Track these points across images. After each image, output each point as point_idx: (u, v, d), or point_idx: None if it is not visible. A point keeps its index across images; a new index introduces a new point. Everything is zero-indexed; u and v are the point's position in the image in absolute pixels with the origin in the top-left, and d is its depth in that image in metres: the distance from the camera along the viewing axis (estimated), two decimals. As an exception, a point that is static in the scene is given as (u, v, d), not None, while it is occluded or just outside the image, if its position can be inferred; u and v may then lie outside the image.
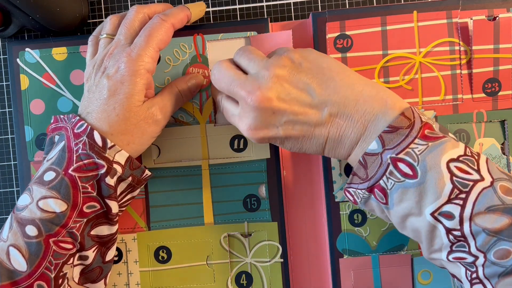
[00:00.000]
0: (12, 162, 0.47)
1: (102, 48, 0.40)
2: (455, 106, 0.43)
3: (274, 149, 0.44)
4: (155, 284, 0.44)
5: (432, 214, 0.32)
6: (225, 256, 0.44)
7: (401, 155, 0.33)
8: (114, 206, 0.38)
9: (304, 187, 0.45)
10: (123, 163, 0.37)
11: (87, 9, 0.46)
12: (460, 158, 0.32)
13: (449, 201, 0.31)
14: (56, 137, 0.39)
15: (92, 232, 0.37)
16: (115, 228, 0.39)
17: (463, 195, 0.31)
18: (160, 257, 0.44)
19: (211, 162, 0.44)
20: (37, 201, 0.36)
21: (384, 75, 0.43)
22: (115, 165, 0.37)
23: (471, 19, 0.42)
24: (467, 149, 0.33)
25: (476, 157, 0.33)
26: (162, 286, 0.44)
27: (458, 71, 0.43)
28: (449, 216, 0.31)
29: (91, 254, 0.38)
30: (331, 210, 0.43)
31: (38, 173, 0.37)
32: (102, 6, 0.47)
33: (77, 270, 0.38)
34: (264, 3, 0.46)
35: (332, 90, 0.35)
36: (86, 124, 0.37)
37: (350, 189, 0.36)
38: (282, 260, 0.43)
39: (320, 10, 0.46)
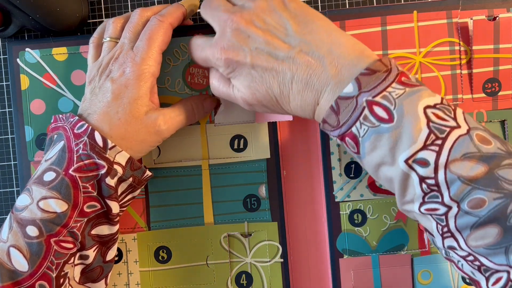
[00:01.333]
0: (12, 162, 0.47)
1: (106, 51, 0.40)
2: (455, 106, 0.43)
3: (274, 149, 0.44)
4: (155, 284, 0.44)
5: (406, 161, 0.30)
6: (225, 256, 0.44)
7: (377, 98, 0.31)
8: (114, 206, 0.38)
9: (304, 187, 0.45)
10: (123, 164, 0.37)
11: (87, 9, 0.46)
12: (437, 106, 0.31)
13: (424, 147, 0.30)
14: (55, 137, 0.39)
15: (93, 232, 0.37)
16: (115, 228, 0.39)
17: (439, 141, 0.30)
18: (160, 257, 0.44)
19: (211, 162, 0.44)
20: (37, 201, 0.36)
21: (384, 75, 0.43)
22: (115, 166, 0.37)
23: (471, 19, 0.42)
24: (443, 99, 0.32)
25: (453, 107, 0.32)
26: (162, 286, 0.44)
27: (458, 71, 0.43)
28: (424, 163, 0.30)
29: (91, 253, 0.38)
30: (331, 210, 0.43)
31: (37, 173, 0.37)
32: (102, 6, 0.47)
33: (78, 270, 0.38)
34: (264, 3, 0.46)
35: (309, 30, 0.34)
36: (86, 124, 0.37)
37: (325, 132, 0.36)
38: (282, 260, 0.43)
39: (320, 10, 0.46)
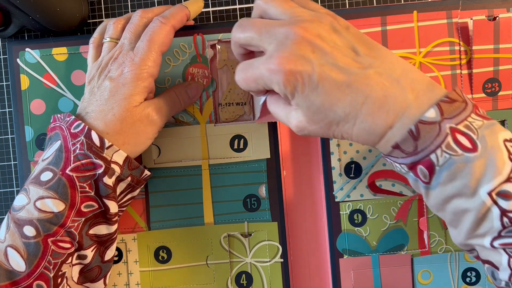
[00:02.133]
0: (12, 162, 0.47)
1: (106, 51, 0.40)
2: None
3: (274, 149, 0.44)
4: (155, 284, 0.44)
5: (489, 193, 0.29)
6: (225, 256, 0.44)
7: (460, 126, 0.30)
8: (112, 206, 0.38)
9: (304, 187, 0.45)
10: (121, 163, 0.37)
11: (87, 9, 0.46)
12: None
13: (508, 179, 0.29)
14: (52, 137, 0.39)
15: (91, 231, 0.37)
16: (114, 228, 0.39)
17: None
18: (160, 257, 0.44)
19: (211, 162, 0.44)
20: (34, 201, 0.36)
21: (384, 75, 0.43)
22: (113, 165, 0.37)
23: (471, 19, 0.42)
24: None
25: None
26: (162, 286, 0.44)
27: (458, 71, 0.43)
28: (508, 196, 0.29)
29: (89, 253, 0.38)
30: (331, 210, 0.43)
31: (34, 173, 0.37)
32: (102, 6, 0.47)
33: (76, 270, 0.38)
34: (264, 3, 0.46)
35: (377, 54, 0.32)
36: (83, 124, 0.37)
37: (387, 159, 0.33)
38: (282, 260, 0.43)
39: (320, 10, 0.46)
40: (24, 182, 0.44)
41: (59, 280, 0.36)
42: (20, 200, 0.37)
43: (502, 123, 0.43)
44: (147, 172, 0.40)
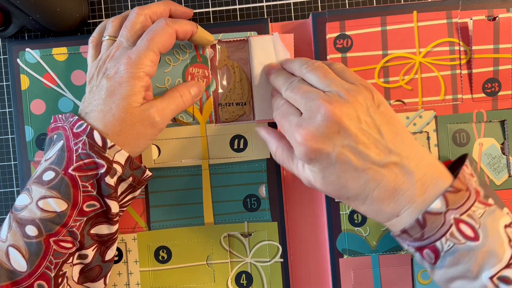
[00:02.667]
0: (12, 162, 0.47)
1: (104, 49, 0.40)
2: (455, 106, 0.43)
3: (274, 149, 0.44)
4: (155, 284, 0.44)
5: (490, 278, 0.32)
6: (225, 256, 0.44)
7: (464, 216, 0.33)
8: (114, 206, 0.38)
9: (304, 187, 0.45)
10: (123, 163, 0.37)
11: (87, 9, 0.46)
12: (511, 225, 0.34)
13: (508, 265, 0.32)
14: (55, 137, 0.39)
15: (92, 231, 0.38)
16: (115, 228, 0.39)
17: None
18: (160, 257, 0.44)
19: (211, 162, 0.44)
20: (36, 201, 0.36)
21: (384, 75, 0.43)
22: (115, 165, 0.37)
23: (471, 19, 0.42)
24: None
25: None
26: (162, 286, 0.44)
27: (458, 71, 0.43)
28: (508, 281, 0.32)
29: (90, 252, 0.38)
30: (331, 210, 0.43)
31: (37, 172, 0.37)
32: (102, 6, 0.47)
33: (76, 269, 0.38)
34: (264, 3, 0.46)
35: (398, 140, 0.35)
36: (85, 124, 0.37)
37: (396, 238, 0.36)
38: (282, 260, 0.43)
39: (320, 10, 0.46)
40: (25, 182, 0.44)
41: (60, 279, 0.36)
42: (22, 199, 0.37)
43: (502, 123, 0.43)
44: (148, 173, 0.40)
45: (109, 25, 0.41)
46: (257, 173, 0.44)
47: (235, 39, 0.43)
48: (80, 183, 0.36)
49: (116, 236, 0.40)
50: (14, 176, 0.47)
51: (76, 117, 0.38)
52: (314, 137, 0.34)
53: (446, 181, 0.34)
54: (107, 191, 0.37)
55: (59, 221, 0.36)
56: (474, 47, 0.42)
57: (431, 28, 0.43)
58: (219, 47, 0.44)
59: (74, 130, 0.37)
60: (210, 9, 0.46)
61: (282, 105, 0.38)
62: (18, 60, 0.44)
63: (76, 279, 0.38)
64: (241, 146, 0.44)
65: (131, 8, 0.47)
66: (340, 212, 0.43)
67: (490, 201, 0.34)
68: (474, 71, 0.43)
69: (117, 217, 0.39)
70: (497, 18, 0.42)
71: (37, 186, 0.36)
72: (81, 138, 0.37)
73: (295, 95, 0.37)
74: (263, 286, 0.43)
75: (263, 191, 0.44)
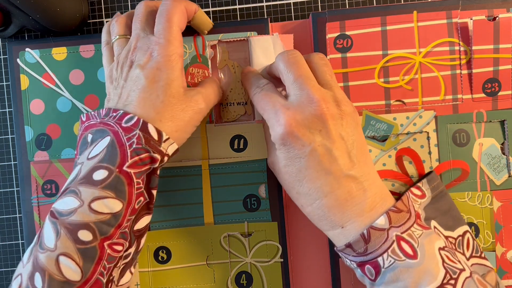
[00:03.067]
0: (12, 162, 0.47)
1: (119, 49, 0.39)
2: (455, 106, 0.43)
3: (274, 149, 0.44)
4: (154, 284, 0.44)
5: None
6: (225, 256, 0.44)
7: (404, 235, 0.34)
8: (155, 194, 0.37)
9: (304, 187, 0.45)
10: (171, 154, 0.37)
11: (87, 9, 0.46)
12: (445, 248, 0.35)
13: (442, 285, 0.33)
14: (89, 136, 0.36)
15: (135, 228, 0.36)
16: (151, 216, 0.38)
17: (452, 281, 0.33)
18: (159, 257, 0.44)
19: (211, 162, 0.44)
20: (89, 203, 0.33)
21: (384, 75, 0.43)
22: (165, 157, 0.37)
23: (471, 19, 0.42)
24: (445, 242, 0.37)
25: (453, 250, 0.36)
26: (162, 287, 0.44)
27: (458, 71, 0.43)
28: None
29: (132, 250, 0.36)
30: (331, 210, 0.43)
31: (81, 173, 0.35)
32: (102, 6, 0.47)
33: (118, 272, 0.36)
34: (264, 3, 0.46)
35: (364, 161, 0.36)
36: (136, 117, 0.35)
37: (339, 253, 0.37)
38: (282, 260, 0.43)
39: (320, 10, 0.46)
40: (25, 182, 0.44)
41: (110, 285, 0.35)
42: (68, 203, 0.34)
43: (502, 123, 0.43)
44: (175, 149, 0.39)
45: (113, 26, 0.40)
46: (257, 173, 0.44)
47: (235, 39, 0.43)
48: (135, 180, 0.35)
49: (149, 223, 0.38)
50: (14, 176, 0.47)
51: (122, 111, 0.36)
52: (298, 124, 0.34)
53: (390, 202, 0.36)
54: (154, 183, 0.36)
55: (114, 222, 0.34)
56: (474, 47, 0.42)
57: (431, 28, 0.43)
58: (219, 47, 0.44)
59: (123, 124, 0.35)
60: (210, 9, 0.46)
61: (265, 84, 0.38)
62: (18, 60, 0.44)
63: (116, 281, 0.36)
64: (241, 146, 0.44)
65: (131, 8, 0.47)
66: (340, 212, 0.43)
67: (433, 223, 0.38)
68: (474, 71, 0.43)
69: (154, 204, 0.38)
70: (497, 18, 0.42)
71: (87, 187, 0.34)
72: (134, 132, 0.35)
73: (291, 73, 0.36)
74: (263, 286, 0.43)
75: (263, 191, 0.44)
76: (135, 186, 0.35)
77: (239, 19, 0.46)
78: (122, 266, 0.36)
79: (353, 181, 0.35)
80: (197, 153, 0.44)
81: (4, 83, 0.47)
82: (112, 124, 0.35)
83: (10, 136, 0.47)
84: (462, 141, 0.43)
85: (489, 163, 0.43)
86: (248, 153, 0.44)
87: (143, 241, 0.38)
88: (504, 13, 0.42)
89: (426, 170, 0.43)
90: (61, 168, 0.44)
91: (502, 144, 0.43)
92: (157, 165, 0.36)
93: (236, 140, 0.44)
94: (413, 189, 0.39)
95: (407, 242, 0.34)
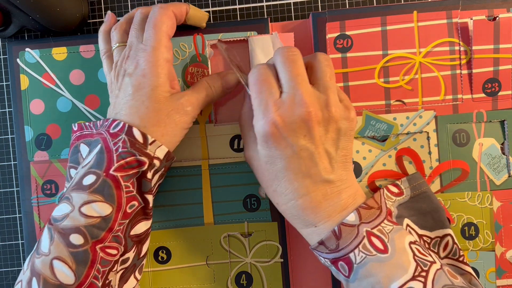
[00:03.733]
0: (12, 162, 0.47)
1: (118, 56, 0.40)
2: (455, 106, 0.43)
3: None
4: (154, 284, 0.44)
5: None
6: (225, 256, 0.44)
7: (375, 230, 0.35)
8: (151, 200, 0.37)
9: (304, 187, 0.45)
10: (162, 157, 0.37)
11: (87, 9, 0.46)
12: (416, 242, 0.36)
13: (413, 278, 0.33)
14: (82, 145, 0.38)
15: (132, 233, 0.37)
16: (150, 221, 0.38)
17: (424, 273, 0.34)
18: (159, 258, 0.44)
19: (211, 162, 0.44)
20: (79, 207, 0.34)
21: (384, 75, 0.43)
22: (155, 161, 0.37)
23: (471, 19, 0.42)
24: (418, 238, 0.39)
25: (426, 246, 0.37)
26: (162, 287, 0.44)
27: (458, 71, 0.43)
28: None
29: (131, 255, 0.37)
30: (331, 210, 0.43)
31: (74, 180, 0.36)
32: (102, 6, 0.47)
33: (118, 276, 0.37)
34: (264, 3, 0.46)
35: (344, 166, 0.37)
36: (122, 122, 0.36)
37: (314, 251, 0.38)
38: (282, 260, 0.43)
39: (320, 10, 0.46)
40: (25, 182, 0.44)
41: None
42: (61, 209, 0.35)
43: (502, 123, 0.43)
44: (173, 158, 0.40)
45: (113, 34, 0.41)
46: (257, 173, 0.44)
47: (235, 39, 0.43)
48: (122, 183, 0.35)
49: (150, 229, 0.39)
50: (14, 176, 0.47)
51: (111, 119, 0.37)
52: (285, 126, 0.34)
53: (361, 198, 0.37)
54: (147, 187, 0.36)
55: (104, 226, 0.34)
56: (474, 47, 0.42)
57: (431, 28, 0.43)
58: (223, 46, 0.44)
59: (111, 131, 0.36)
60: (210, 9, 0.46)
61: (264, 68, 0.36)
62: (18, 60, 0.44)
63: (117, 286, 0.37)
64: (241, 146, 0.44)
65: (131, 8, 0.47)
66: (340, 212, 0.43)
67: (407, 221, 0.39)
68: (474, 71, 0.43)
69: (152, 210, 0.38)
70: (497, 18, 0.42)
71: (78, 192, 0.35)
72: (120, 137, 0.36)
73: (287, 71, 0.35)
74: (263, 286, 0.43)
75: (263, 191, 0.44)
76: (124, 190, 0.35)
77: (239, 19, 0.46)
78: (121, 270, 0.37)
79: (329, 184, 0.36)
80: (197, 153, 0.44)
81: (4, 83, 0.47)
82: (102, 132, 0.37)
83: (10, 136, 0.47)
84: (462, 141, 0.43)
85: (489, 163, 0.43)
86: (248, 153, 0.44)
87: (145, 247, 0.38)
88: (504, 13, 0.42)
89: (426, 170, 0.43)
90: (61, 168, 0.44)
91: (502, 144, 0.43)
92: (145, 168, 0.36)
93: (236, 140, 0.44)
94: (390, 186, 0.41)
95: (377, 237, 0.35)
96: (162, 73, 0.37)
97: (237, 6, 0.46)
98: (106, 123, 0.37)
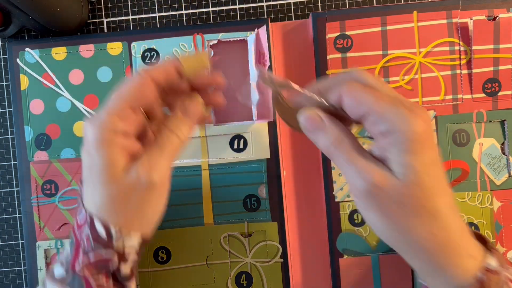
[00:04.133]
0: (12, 162, 0.47)
1: None
2: (455, 106, 0.43)
3: (274, 149, 0.44)
4: (154, 285, 0.44)
5: None
6: (225, 256, 0.44)
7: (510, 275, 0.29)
8: (133, 285, 0.33)
9: (304, 187, 0.45)
10: (138, 247, 0.32)
11: (87, 9, 0.46)
12: None
13: None
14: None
15: None
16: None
17: None
18: (159, 258, 0.44)
19: (211, 162, 0.44)
20: None
21: (384, 75, 0.43)
22: (128, 251, 0.32)
23: (471, 19, 0.42)
24: None
25: None
26: (162, 287, 0.44)
27: (458, 71, 0.43)
28: None
29: None
30: (331, 210, 0.43)
31: (52, 265, 0.33)
32: (102, 6, 0.47)
33: None
34: (264, 3, 0.46)
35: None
36: (84, 212, 0.31)
37: None
38: (282, 260, 0.43)
39: (320, 10, 0.46)
40: (24, 182, 0.44)
41: None
42: None
43: (502, 123, 0.43)
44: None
45: None
46: (256, 173, 0.44)
47: (235, 39, 0.43)
48: (93, 282, 0.31)
49: None
50: (14, 176, 0.47)
51: (80, 202, 0.32)
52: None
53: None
54: (124, 278, 0.32)
55: None
56: (474, 47, 0.42)
57: (431, 28, 0.43)
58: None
59: (78, 221, 0.32)
60: (210, 9, 0.46)
61: (338, 132, 0.29)
62: (18, 60, 0.44)
63: None
64: (241, 146, 0.44)
65: (131, 9, 0.47)
66: (340, 212, 0.43)
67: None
68: (474, 71, 0.43)
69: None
70: (497, 18, 0.42)
71: (52, 283, 0.32)
72: (84, 231, 0.31)
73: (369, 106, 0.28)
74: (263, 286, 0.43)
75: (263, 191, 0.44)
76: (95, 285, 0.31)
77: (239, 19, 0.46)
78: None
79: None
80: (197, 153, 0.44)
81: (4, 83, 0.47)
82: (74, 218, 0.34)
83: (10, 136, 0.47)
84: (462, 141, 0.43)
85: (489, 163, 0.43)
86: (248, 153, 0.44)
87: None
88: (504, 13, 0.42)
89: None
90: (60, 168, 0.44)
91: (502, 144, 0.43)
92: (116, 265, 0.31)
93: (236, 140, 0.44)
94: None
95: None
96: (108, 152, 0.30)
97: (237, 6, 0.46)
98: (77, 205, 0.33)
